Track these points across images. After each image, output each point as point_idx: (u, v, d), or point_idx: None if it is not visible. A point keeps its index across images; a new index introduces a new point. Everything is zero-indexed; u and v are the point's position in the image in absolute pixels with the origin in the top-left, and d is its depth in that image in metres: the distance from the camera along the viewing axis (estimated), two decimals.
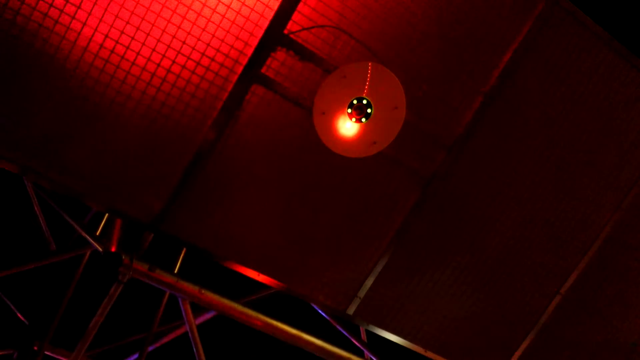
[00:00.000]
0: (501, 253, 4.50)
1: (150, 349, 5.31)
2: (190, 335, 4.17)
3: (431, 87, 3.93)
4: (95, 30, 3.30)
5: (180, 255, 4.59)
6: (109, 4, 3.28)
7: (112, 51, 3.37)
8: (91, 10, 3.26)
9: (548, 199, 4.43)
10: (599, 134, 4.36)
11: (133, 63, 3.42)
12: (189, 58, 3.48)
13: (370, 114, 3.60)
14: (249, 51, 3.56)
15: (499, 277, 4.57)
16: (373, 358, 4.77)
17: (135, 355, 5.40)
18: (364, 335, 5.11)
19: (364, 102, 3.56)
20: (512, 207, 4.38)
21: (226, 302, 4.16)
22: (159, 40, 3.41)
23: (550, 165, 4.34)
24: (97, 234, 4.43)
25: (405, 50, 3.79)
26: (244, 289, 5.14)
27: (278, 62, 3.61)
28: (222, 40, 3.51)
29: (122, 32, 3.34)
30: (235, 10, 3.47)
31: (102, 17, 3.29)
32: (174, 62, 3.47)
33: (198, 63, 3.51)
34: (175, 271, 4.24)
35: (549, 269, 4.66)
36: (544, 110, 4.19)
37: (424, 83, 3.89)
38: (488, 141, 4.16)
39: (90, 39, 3.31)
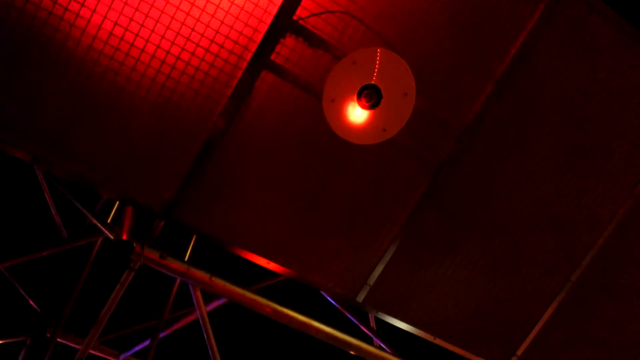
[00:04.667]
0: (512, 240, 4.48)
1: (161, 335, 5.36)
2: (201, 322, 4.19)
3: (442, 73, 3.90)
4: (105, 17, 3.31)
5: (190, 242, 4.61)
6: None
7: (121, 39, 3.37)
8: None
9: (560, 186, 4.40)
10: (613, 122, 4.30)
11: (142, 50, 3.42)
12: (197, 45, 3.48)
13: (380, 100, 3.58)
14: (258, 38, 3.55)
15: (510, 264, 4.56)
16: (382, 345, 4.78)
17: (147, 342, 5.45)
18: (373, 323, 5.13)
19: (374, 88, 3.53)
20: (522, 194, 4.36)
21: (236, 289, 4.16)
22: (168, 27, 3.41)
23: (562, 152, 4.29)
24: (109, 221, 4.46)
25: (416, 35, 3.76)
26: (254, 277, 5.16)
27: (287, 48, 3.60)
28: (231, 27, 3.49)
29: (131, 20, 3.34)
30: None
31: (112, 4, 3.29)
32: (182, 49, 3.47)
33: (207, 50, 3.50)
34: (186, 259, 4.25)
35: (560, 256, 4.63)
36: (555, 97, 4.15)
37: (435, 69, 3.86)
38: (499, 128, 4.12)
39: (99, 27, 3.32)
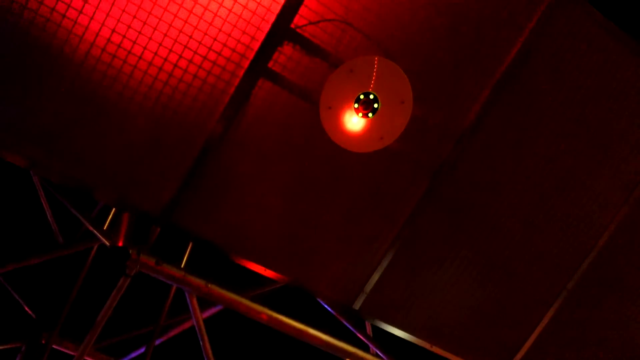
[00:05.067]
0: (509, 246, 4.49)
1: (157, 342, 5.33)
2: (197, 328, 4.18)
3: (440, 76, 3.90)
4: (103, 24, 3.31)
5: (186, 249, 4.60)
6: None
7: (119, 46, 3.37)
8: (98, 5, 3.27)
9: (559, 188, 4.40)
10: (610, 125, 4.31)
11: (140, 57, 3.42)
12: (195, 52, 3.48)
13: (377, 108, 3.59)
14: (256, 45, 3.55)
15: (507, 271, 4.56)
16: (379, 353, 4.77)
17: (143, 349, 5.43)
18: (369, 330, 5.11)
19: (371, 96, 3.55)
20: (520, 198, 4.36)
21: (232, 296, 4.16)
22: (166, 35, 3.41)
23: (560, 155, 4.30)
24: (105, 228, 4.44)
25: (413, 42, 3.77)
26: (250, 283, 5.14)
27: (285, 56, 3.61)
28: (229, 35, 3.50)
29: (129, 27, 3.35)
30: (242, 4, 3.46)
31: (110, 11, 3.29)
32: (181, 56, 3.47)
33: (205, 57, 3.51)
34: (182, 265, 4.25)
35: (556, 262, 4.64)
36: (554, 98, 4.15)
37: (433, 71, 3.87)
38: (498, 129, 4.13)
39: (97, 34, 3.32)
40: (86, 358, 5.03)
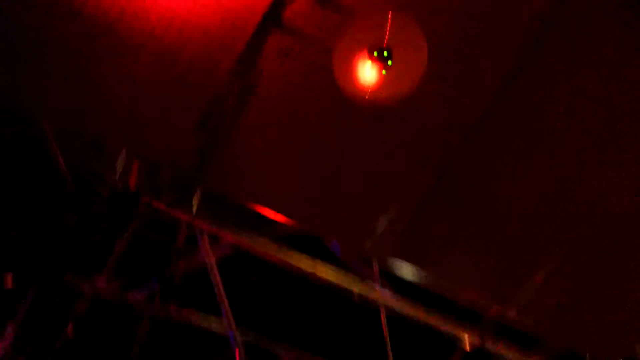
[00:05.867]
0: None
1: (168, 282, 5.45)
2: (209, 269, 4.29)
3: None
4: None
5: (196, 196, 4.64)
6: None
7: None
8: None
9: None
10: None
11: None
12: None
13: (391, 60, 3.56)
14: None
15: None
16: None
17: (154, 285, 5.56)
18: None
19: (385, 50, 3.51)
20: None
21: (243, 237, 4.26)
22: None
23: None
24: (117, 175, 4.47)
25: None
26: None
27: (298, 9, 3.48)
28: None
29: None
30: None
31: None
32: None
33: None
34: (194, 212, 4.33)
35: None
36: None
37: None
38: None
39: None
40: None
